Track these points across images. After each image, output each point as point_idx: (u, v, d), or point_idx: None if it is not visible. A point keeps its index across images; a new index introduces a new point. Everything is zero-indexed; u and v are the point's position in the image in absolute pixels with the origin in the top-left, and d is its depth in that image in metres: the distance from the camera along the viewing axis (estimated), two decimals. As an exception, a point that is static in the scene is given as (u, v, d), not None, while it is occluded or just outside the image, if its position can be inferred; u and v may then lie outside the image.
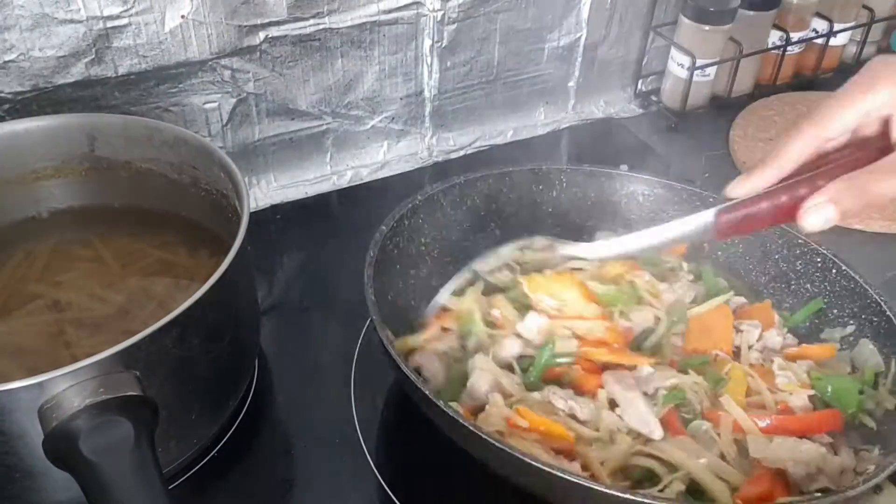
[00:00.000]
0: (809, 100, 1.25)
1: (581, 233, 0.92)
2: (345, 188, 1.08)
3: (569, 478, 0.56)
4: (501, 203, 0.89)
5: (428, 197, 0.83)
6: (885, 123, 0.59)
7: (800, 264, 0.84)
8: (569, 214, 0.91)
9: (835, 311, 0.80)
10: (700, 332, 0.77)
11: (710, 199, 0.87)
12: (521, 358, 0.73)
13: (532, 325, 0.74)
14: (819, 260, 0.82)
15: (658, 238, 0.71)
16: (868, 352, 0.76)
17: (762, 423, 0.68)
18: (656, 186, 0.90)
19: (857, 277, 0.78)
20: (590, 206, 0.91)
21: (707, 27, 1.14)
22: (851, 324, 0.79)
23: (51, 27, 0.81)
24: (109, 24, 0.84)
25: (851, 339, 0.78)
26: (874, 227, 1.02)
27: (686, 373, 0.72)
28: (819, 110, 0.60)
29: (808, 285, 0.83)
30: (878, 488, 0.64)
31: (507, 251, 0.81)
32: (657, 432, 0.66)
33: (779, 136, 0.61)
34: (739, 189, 0.63)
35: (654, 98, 1.27)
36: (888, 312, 0.75)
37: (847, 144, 0.62)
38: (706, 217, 0.66)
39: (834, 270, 0.80)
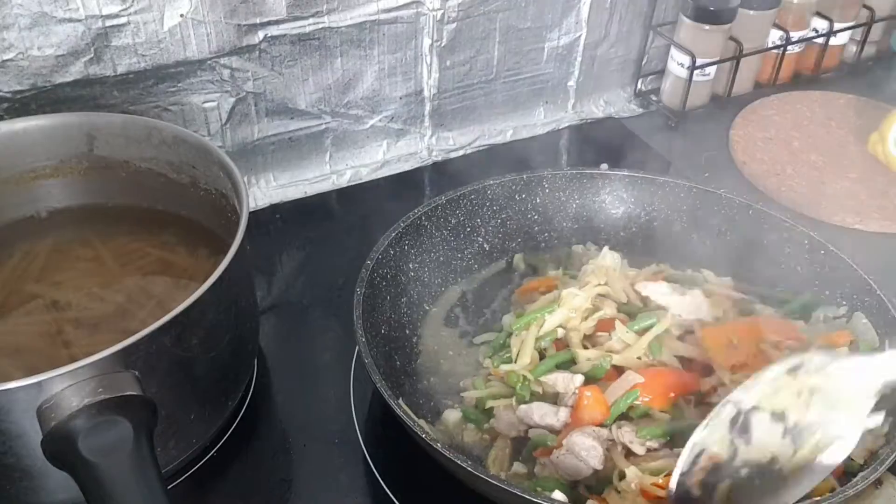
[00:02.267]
0: (809, 99, 1.25)
1: (570, 236, 0.92)
2: (344, 188, 1.08)
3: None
4: (485, 216, 0.89)
5: (411, 222, 0.82)
6: None
7: (788, 248, 0.84)
8: (554, 219, 0.92)
9: (827, 292, 0.81)
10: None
11: (693, 190, 0.89)
12: None
13: None
14: (807, 242, 0.83)
15: None
16: (862, 326, 0.77)
17: None
18: (637, 182, 0.91)
19: (844, 257, 0.79)
20: (576, 208, 0.92)
21: (707, 26, 1.14)
22: (844, 304, 0.80)
23: (49, 26, 0.81)
24: (108, 22, 0.84)
25: (845, 320, 0.79)
26: (873, 227, 1.02)
27: None
28: None
29: (798, 268, 0.84)
30: (878, 482, 0.64)
31: (771, 375, 0.61)
32: None
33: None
34: None
35: (653, 97, 1.26)
36: (879, 292, 0.76)
37: None
38: None
39: (822, 251, 0.82)
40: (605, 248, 0.87)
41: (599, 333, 0.77)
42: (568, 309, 0.77)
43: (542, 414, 0.71)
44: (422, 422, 0.69)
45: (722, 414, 0.59)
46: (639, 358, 0.73)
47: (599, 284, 0.80)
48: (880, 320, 0.76)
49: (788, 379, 0.60)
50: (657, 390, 0.71)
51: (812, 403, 0.59)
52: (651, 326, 0.75)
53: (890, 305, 0.74)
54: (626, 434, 0.69)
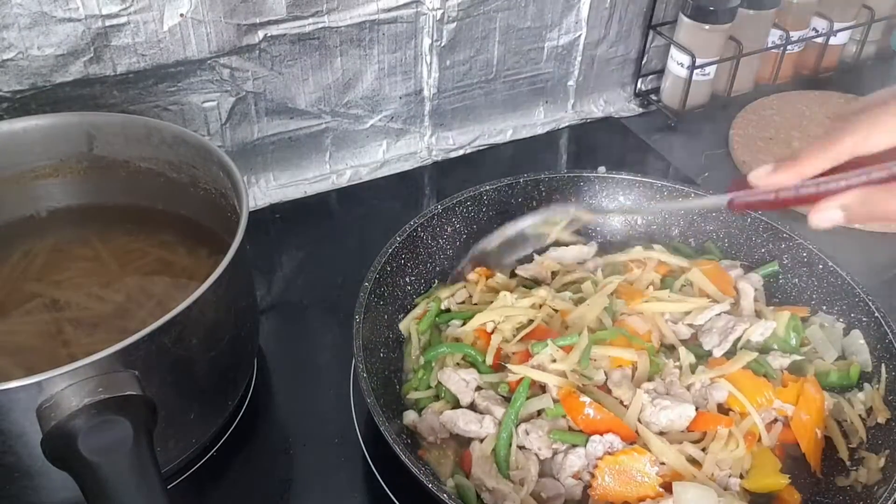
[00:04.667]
0: (809, 99, 1.25)
1: (566, 238, 0.91)
2: (344, 187, 1.08)
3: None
4: (482, 222, 0.88)
5: (407, 235, 0.81)
6: None
7: (787, 259, 0.84)
8: None
9: (824, 307, 0.81)
10: None
11: (691, 195, 0.88)
12: None
13: None
14: (805, 255, 0.82)
15: (674, 206, 0.87)
16: (858, 345, 0.76)
17: None
18: (635, 185, 0.90)
19: (843, 274, 0.78)
20: (572, 210, 0.90)
21: (707, 26, 1.14)
22: (841, 321, 0.79)
23: (49, 25, 0.81)
24: (108, 22, 0.83)
25: (842, 333, 0.78)
26: (873, 227, 1.02)
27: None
28: (862, 123, 0.56)
29: (796, 280, 0.83)
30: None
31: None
32: None
33: (816, 139, 0.59)
34: (763, 181, 0.61)
35: (653, 97, 1.26)
36: (877, 313, 0.75)
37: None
38: (720, 200, 0.65)
39: (820, 266, 0.80)
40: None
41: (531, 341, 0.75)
42: (498, 313, 0.77)
43: (466, 421, 0.69)
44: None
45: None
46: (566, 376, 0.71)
47: (535, 306, 0.78)
48: (877, 343, 0.74)
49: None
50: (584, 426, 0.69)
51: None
52: (573, 343, 0.72)
53: (888, 329, 0.73)
54: (533, 439, 0.67)
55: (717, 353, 0.76)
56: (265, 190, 1.05)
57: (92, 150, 0.78)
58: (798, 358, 0.76)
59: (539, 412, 0.70)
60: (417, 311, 0.81)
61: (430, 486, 0.61)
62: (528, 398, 0.70)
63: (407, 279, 0.82)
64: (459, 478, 0.68)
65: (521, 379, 0.71)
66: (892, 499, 0.62)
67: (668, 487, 0.65)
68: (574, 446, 0.68)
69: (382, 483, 0.72)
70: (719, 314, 0.78)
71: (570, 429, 0.69)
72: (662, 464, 0.67)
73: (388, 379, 0.75)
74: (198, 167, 0.76)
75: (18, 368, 0.67)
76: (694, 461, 0.68)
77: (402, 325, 0.81)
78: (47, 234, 0.79)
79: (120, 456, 0.52)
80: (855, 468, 0.69)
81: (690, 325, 0.79)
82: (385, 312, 0.79)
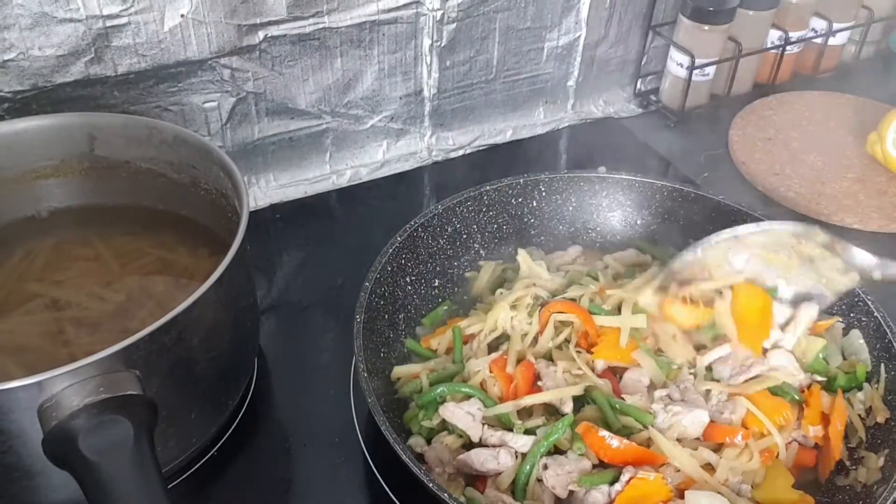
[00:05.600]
0: (808, 99, 1.26)
1: (566, 239, 0.92)
2: (344, 187, 1.08)
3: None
4: (482, 222, 0.88)
5: (408, 235, 0.81)
6: None
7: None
8: (552, 222, 0.92)
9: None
10: None
11: (692, 195, 0.88)
12: None
13: None
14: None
15: None
16: (858, 345, 0.76)
17: None
18: (635, 185, 0.90)
19: None
20: (572, 211, 0.91)
21: (706, 26, 1.14)
22: (841, 322, 0.79)
23: (50, 26, 0.81)
24: (109, 23, 0.84)
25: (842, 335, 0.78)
26: (871, 227, 1.02)
27: None
28: None
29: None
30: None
31: (781, 228, 0.70)
32: None
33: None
34: None
35: (653, 97, 1.27)
36: (876, 313, 0.75)
37: None
38: None
39: None
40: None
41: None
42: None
43: (482, 460, 0.67)
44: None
45: (723, 236, 0.71)
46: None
47: (530, 285, 0.79)
48: (876, 343, 0.74)
49: (792, 241, 0.69)
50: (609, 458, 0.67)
51: (802, 267, 0.71)
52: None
53: (888, 329, 0.73)
54: (550, 475, 0.65)
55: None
56: (265, 190, 1.05)
57: (93, 151, 0.78)
58: (820, 379, 0.75)
59: (562, 452, 0.68)
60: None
61: (430, 485, 0.61)
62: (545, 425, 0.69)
63: (407, 279, 0.83)
64: (471, 490, 0.68)
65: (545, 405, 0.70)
66: (892, 498, 0.62)
67: (681, 494, 0.65)
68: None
69: (382, 483, 0.72)
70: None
71: (594, 465, 0.67)
72: (677, 471, 0.66)
73: (388, 379, 0.76)
74: (198, 167, 0.76)
75: (19, 368, 0.67)
76: (707, 468, 0.67)
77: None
78: (48, 234, 0.79)
79: (120, 456, 0.52)
80: (854, 468, 0.69)
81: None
82: (386, 312, 0.79)
